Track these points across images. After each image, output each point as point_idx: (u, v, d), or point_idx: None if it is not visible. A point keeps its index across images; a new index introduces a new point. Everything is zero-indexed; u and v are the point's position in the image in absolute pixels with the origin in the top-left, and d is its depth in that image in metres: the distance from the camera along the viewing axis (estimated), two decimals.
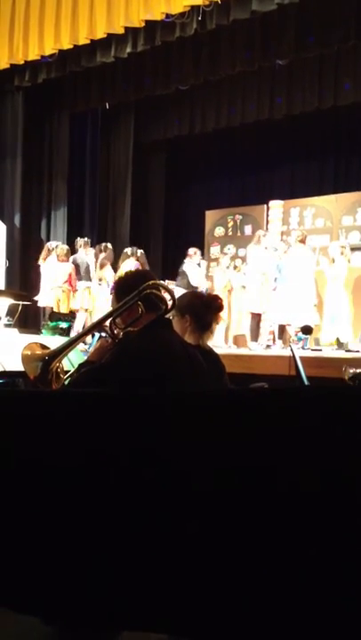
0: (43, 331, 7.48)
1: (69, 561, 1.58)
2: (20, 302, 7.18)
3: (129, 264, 9.81)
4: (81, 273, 10.11)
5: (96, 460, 1.54)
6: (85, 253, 10.29)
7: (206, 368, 2.57)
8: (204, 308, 3.00)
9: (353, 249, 9.42)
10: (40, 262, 10.17)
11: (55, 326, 7.05)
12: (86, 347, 5.96)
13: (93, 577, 1.54)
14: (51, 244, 10.32)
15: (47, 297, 9.91)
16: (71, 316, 9.04)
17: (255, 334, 9.04)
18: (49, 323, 7.52)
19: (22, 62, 10.11)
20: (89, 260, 10.24)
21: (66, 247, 10.15)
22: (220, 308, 3.08)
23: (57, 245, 10.23)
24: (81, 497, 1.56)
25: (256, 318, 9.10)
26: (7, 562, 1.67)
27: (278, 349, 8.36)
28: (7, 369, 3.82)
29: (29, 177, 11.63)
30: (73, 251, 10.27)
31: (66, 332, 7.38)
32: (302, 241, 8.88)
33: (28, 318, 9.67)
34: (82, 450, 1.57)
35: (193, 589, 1.41)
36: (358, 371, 3.80)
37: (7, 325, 6.94)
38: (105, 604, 1.52)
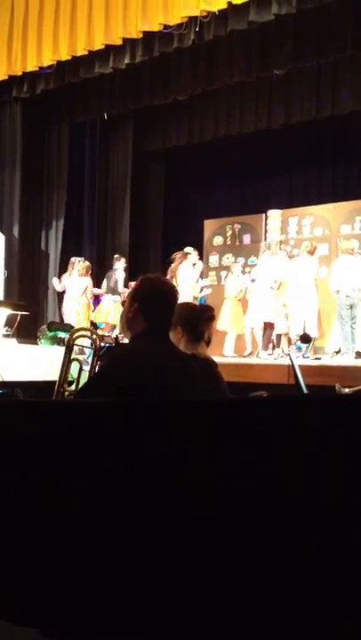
0: (41, 340, 7.46)
1: (68, 573, 1.57)
2: (19, 312, 7.17)
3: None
4: (110, 285, 10.33)
5: (92, 470, 1.53)
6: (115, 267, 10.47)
7: (202, 376, 2.58)
8: (196, 319, 3.02)
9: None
10: (65, 277, 10.58)
11: (54, 336, 7.03)
12: (85, 356, 5.94)
13: (92, 589, 1.53)
14: (73, 259, 10.58)
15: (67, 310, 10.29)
16: (70, 327, 9.03)
17: (267, 344, 9.03)
18: (47, 332, 7.50)
19: (20, 73, 10.14)
20: (118, 275, 10.39)
21: (87, 263, 10.44)
22: (212, 318, 3.11)
23: (78, 260, 10.43)
24: (78, 509, 1.56)
25: (270, 328, 9.08)
26: (6, 575, 1.66)
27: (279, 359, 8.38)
28: (6, 379, 3.82)
29: (28, 187, 11.65)
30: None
31: (64, 341, 7.36)
32: (311, 252, 8.93)
33: (27, 328, 9.68)
34: (78, 459, 1.56)
35: (191, 603, 1.41)
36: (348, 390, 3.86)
37: (6, 336, 6.93)
38: (104, 616, 1.52)
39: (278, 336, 9.26)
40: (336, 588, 1.29)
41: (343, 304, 8.28)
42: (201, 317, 3.04)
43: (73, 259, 10.67)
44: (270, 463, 1.35)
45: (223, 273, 11.30)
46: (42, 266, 12.04)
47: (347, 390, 3.99)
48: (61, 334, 7.05)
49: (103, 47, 9.16)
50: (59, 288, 10.71)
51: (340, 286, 8.34)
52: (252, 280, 9.61)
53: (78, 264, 10.36)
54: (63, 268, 11.37)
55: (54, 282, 10.88)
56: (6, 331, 7.08)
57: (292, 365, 4.53)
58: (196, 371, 2.53)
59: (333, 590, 1.29)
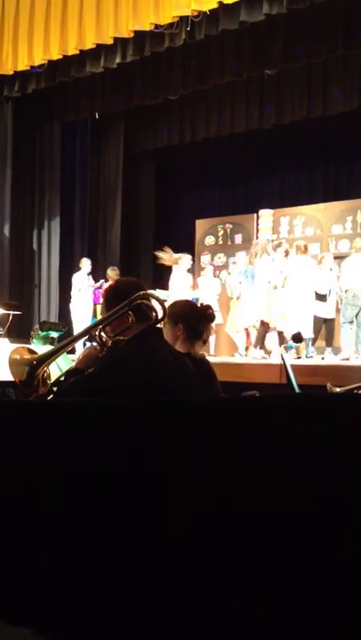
0: (33, 340, 7.46)
1: (63, 573, 1.57)
2: (11, 312, 7.17)
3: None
4: None
5: (89, 470, 1.53)
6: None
7: (197, 376, 2.57)
8: (197, 318, 3.00)
9: (343, 257, 9.46)
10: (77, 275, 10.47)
11: (46, 336, 7.04)
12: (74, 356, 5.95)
13: (88, 589, 1.53)
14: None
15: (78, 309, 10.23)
16: (62, 326, 9.03)
17: (260, 342, 9.02)
18: (40, 332, 7.51)
19: (11, 73, 10.12)
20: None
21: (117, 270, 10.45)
22: (212, 317, 3.09)
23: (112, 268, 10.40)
24: (73, 508, 1.56)
25: (264, 327, 9.07)
26: (0, 574, 1.66)
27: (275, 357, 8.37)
28: None
29: (19, 187, 11.63)
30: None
31: (57, 341, 7.37)
32: (304, 251, 8.84)
33: (19, 328, 9.66)
34: (74, 459, 1.56)
35: (190, 604, 1.41)
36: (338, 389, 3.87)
37: None
38: (99, 616, 1.52)
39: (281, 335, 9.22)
40: (331, 588, 1.30)
41: (349, 304, 8.19)
42: (203, 316, 3.02)
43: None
44: (263, 462, 1.36)
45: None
46: (33, 265, 12.03)
47: (338, 390, 3.99)
48: (54, 334, 7.06)
49: (94, 46, 9.15)
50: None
51: (349, 285, 8.24)
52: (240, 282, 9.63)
53: (109, 271, 10.33)
54: (64, 268, 11.42)
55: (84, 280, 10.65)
56: None
57: (285, 365, 4.53)
58: (193, 370, 2.52)
59: (328, 590, 1.30)
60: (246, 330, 9.43)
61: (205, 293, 9.81)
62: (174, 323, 2.91)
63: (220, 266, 11.54)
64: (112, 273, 10.28)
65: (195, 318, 2.98)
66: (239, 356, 9.25)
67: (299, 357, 8.28)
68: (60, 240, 12.00)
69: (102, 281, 10.34)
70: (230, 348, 9.91)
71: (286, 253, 8.95)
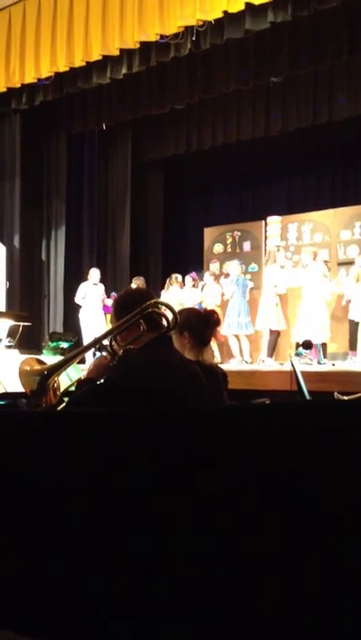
0: (44, 351, 7.48)
1: (72, 583, 1.57)
2: (21, 323, 7.18)
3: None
4: None
5: (99, 481, 1.54)
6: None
7: (207, 384, 2.58)
8: (202, 324, 3.01)
9: (351, 263, 9.46)
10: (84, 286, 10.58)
11: (56, 346, 7.05)
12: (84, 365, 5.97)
13: (96, 598, 1.54)
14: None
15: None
16: (72, 336, 9.05)
17: (272, 351, 9.03)
18: (50, 343, 7.53)
19: (19, 85, 10.19)
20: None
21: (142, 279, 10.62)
22: (218, 322, 3.10)
23: (176, 277, 10.49)
24: (84, 519, 1.56)
25: (275, 335, 9.09)
26: (9, 585, 1.67)
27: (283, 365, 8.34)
28: (9, 390, 3.83)
29: (28, 198, 11.69)
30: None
31: (67, 352, 7.39)
32: (315, 258, 8.86)
33: (29, 339, 9.67)
34: (84, 470, 1.57)
35: (198, 615, 1.41)
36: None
37: (8, 347, 6.94)
38: (108, 627, 1.52)
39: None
40: (335, 591, 1.30)
41: None
42: (207, 323, 3.03)
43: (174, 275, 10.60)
44: (273, 469, 1.36)
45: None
46: (42, 276, 12.07)
47: (345, 398, 4.00)
48: (63, 344, 7.07)
49: (100, 58, 9.20)
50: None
51: None
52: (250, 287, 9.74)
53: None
54: (73, 278, 11.45)
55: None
56: (9, 342, 7.10)
57: (295, 372, 4.53)
58: (203, 377, 2.53)
59: (333, 594, 1.30)
60: (237, 337, 9.50)
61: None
62: (180, 332, 2.92)
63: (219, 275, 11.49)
64: (138, 282, 10.33)
65: (200, 325, 3.00)
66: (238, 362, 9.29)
67: (314, 363, 8.27)
68: (69, 250, 12.04)
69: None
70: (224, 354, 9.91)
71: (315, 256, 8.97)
